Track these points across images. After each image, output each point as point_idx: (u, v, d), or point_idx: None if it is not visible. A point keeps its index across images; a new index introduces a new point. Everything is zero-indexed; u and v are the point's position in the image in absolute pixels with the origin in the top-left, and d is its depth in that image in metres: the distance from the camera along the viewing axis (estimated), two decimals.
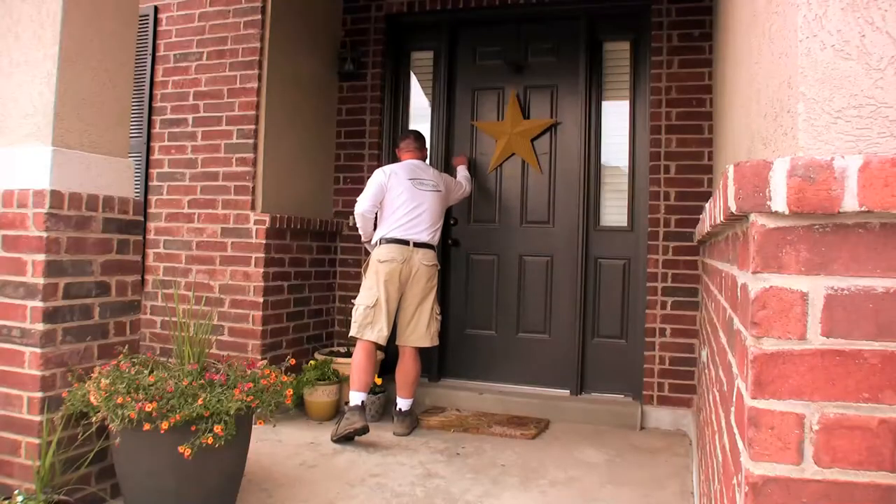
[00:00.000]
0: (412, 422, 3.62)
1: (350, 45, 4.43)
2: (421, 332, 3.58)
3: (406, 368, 3.59)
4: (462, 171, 4.14)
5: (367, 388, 3.46)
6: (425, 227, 3.58)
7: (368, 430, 3.33)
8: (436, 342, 3.69)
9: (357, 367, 3.47)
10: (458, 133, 4.43)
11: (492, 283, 4.33)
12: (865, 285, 0.88)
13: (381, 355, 3.99)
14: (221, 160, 3.87)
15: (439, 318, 3.69)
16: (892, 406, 0.87)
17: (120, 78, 2.64)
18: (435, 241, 3.66)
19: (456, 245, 4.39)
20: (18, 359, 2.31)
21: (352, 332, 3.55)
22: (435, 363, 4.30)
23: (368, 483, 2.85)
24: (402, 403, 3.58)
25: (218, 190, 3.87)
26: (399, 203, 3.55)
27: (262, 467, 2.97)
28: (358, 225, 3.67)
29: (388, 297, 3.49)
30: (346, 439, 3.32)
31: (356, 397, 3.41)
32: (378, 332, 3.48)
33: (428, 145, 4.41)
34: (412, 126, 4.52)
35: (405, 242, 3.53)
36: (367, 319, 3.48)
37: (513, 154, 4.29)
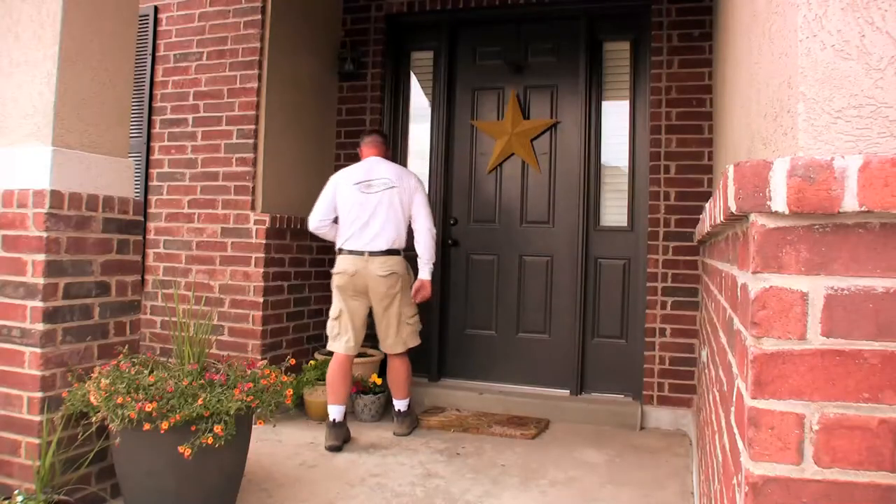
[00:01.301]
0: (412, 422, 3.60)
1: (350, 45, 4.43)
2: (391, 339, 3.44)
3: (393, 372, 3.51)
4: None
5: (341, 400, 3.34)
6: (378, 233, 3.34)
7: (340, 450, 3.26)
8: (411, 344, 3.50)
9: (328, 380, 3.38)
10: (458, 133, 4.43)
11: (492, 283, 4.33)
12: (865, 285, 0.88)
13: (380, 355, 4.00)
14: (221, 160, 3.87)
15: (411, 321, 3.48)
16: (892, 406, 0.87)
17: (120, 78, 2.64)
18: (398, 244, 3.39)
19: (456, 245, 4.39)
20: (18, 359, 2.31)
21: (327, 346, 3.54)
22: (435, 363, 4.31)
23: (368, 483, 2.85)
24: (399, 405, 3.55)
25: (218, 190, 3.87)
26: (346, 211, 3.39)
27: (262, 467, 2.97)
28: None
29: (349, 308, 3.39)
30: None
31: (331, 412, 3.33)
32: (345, 344, 3.39)
33: (428, 145, 4.43)
34: (412, 126, 4.54)
35: (360, 252, 3.34)
36: (335, 331, 3.42)
37: (512, 154, 4.29)
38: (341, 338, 3.40)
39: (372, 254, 3.33)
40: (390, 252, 3.36)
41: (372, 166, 3.47)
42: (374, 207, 3.35)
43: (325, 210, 3.45)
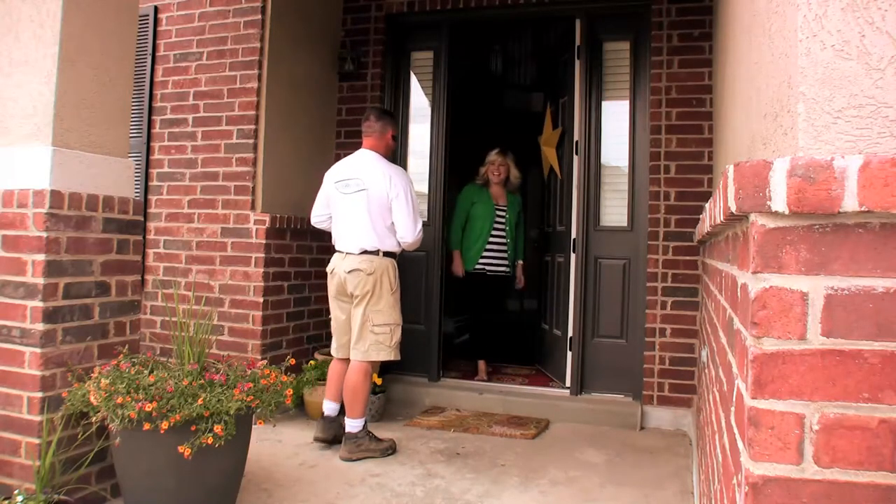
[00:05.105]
0: (366, 447, 3.17)
1: (350, 45, 4.43)
2: (353, 343, 3.22)
3: (347, 381, 3.22)
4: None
5: (332, 397, 3.33)
6: (352, 234, 3.21)
7: (327, 443, 3.26)
8: (373, 357, 3.19)
9: (327, 377, 3.41)
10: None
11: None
12: (865, 285, 0.88)
13: None
14: (221, 160, 3.87)
15: (378, 331, 3.18)
16: (892, 406, 0.87)
17: (120, 78, 2.64)
18: (376, 246, 3.19)
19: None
20: (18, 359, 2.31)
21: None
22: (435, 363, 4.31)
23: (368, 483, 2.85)
24: (347, 424, 3.20)
25: (218, 190, 3.87)
26: (333, 210, 3.33)
27: (262, 467, 2.97)
28: None
29: (332, 309, 3.36)
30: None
31: (324, 405, 3.36)
32: (332, 346, 3.39)
33: (428, 146, 4.42)
34: (412, 126, 4.53)
35: (341, 252, 3.27)
36: (333, 333, 3.41)
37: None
38: (332, 339, 3.40)
39: (349, 253, 3.22)
40: (364, 252, 3.19)
41: (353, 164, 3.34)
42: (348, 209, 3.24)
43: (321, 206, 3.43)
